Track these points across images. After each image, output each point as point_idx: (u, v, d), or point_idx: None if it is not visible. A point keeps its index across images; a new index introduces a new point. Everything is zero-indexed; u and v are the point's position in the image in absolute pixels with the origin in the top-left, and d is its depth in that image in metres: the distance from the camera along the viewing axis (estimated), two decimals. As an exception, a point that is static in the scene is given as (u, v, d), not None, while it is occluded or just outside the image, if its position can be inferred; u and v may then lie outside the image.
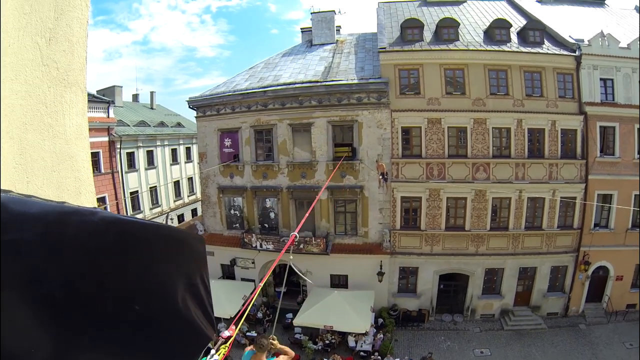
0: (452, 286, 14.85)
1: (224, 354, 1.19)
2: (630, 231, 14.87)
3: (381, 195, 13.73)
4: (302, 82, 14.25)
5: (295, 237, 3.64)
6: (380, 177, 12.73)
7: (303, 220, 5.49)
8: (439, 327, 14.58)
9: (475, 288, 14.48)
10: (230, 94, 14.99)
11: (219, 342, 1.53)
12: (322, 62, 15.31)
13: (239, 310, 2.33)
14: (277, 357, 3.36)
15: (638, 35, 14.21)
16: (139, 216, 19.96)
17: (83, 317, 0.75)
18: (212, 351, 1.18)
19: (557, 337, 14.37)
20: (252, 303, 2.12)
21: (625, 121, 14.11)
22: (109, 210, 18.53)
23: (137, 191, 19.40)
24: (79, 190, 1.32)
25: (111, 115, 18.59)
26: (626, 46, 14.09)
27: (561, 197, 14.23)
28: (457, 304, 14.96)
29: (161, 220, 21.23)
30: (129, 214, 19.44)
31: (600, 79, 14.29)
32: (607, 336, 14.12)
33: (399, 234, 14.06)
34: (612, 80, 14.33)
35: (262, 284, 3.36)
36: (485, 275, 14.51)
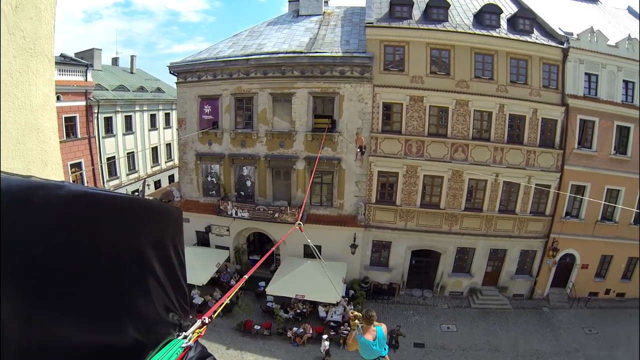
0: (423, 262, 15.14)
1: (197, 336, 1.15)
2: (600, 223, 15.33)
3: (358, 169, 13.78)
4: (286, 52, 13.99)
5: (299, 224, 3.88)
6: (358, 150, 12.72)
7: (306, 197, 5.35)
8: (408, 301, 14.91)
9: (446, 265, 14.81)
10: (212, 60, 14.62)
11: (195, 325, 1.48)
12: (307, 33, 15.03)
13: (219, 300, 2.27)
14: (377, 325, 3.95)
15: (627, 35, 14.33)
16: (115, 182, 19.58)
17: (51, 289, 0.74)
18: (189, 332, 1.13)
19: (521, 318, 14.87)
20: (232, 295, 2.05)
21: (606, 117, 14.34)
22: (84, 175, 18.15)
23: (114, 157, 18.96)
24: (45, 162, 1.28)
25: (89, 78, 17.97)
26: (614, 44, 14.11)
27: (536, 184, 14.51)
28: (428, 280, 15.30)
29: (138, 185, 20.95)
30: (105, 180, 19.04)
31: (585, 74, 14.33)
32: (569, 321, 14.71)
33: (374, 208, 14.18)
34: (596, 75, 14.38)
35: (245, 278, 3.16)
36: (457, 253, 14.83)
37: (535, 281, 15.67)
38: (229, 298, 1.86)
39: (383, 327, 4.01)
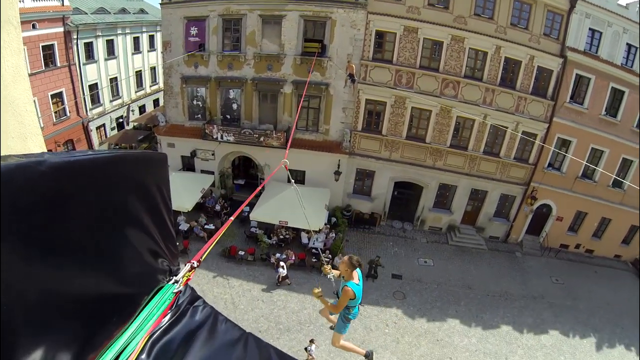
0: (405, 195, 15.48)
1: (186, 280, 1.17)
2: (580, 180, 15.60)
3: (346, 95, 13.64)
4: (279, -28, 13.16)
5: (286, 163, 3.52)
6: (348, 78, 12.46)
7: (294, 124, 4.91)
8: (389, 232, 15.39)
9: (427, 200, 15.18)
10: (199, -22, 13.71)
11: (184, 270, 1.45)
12: (303, -48, 14.08)
13: (207, 243, 1.97)
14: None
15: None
16: (99, 110, 19.06)
17: (46, 254, 0.77)
18: (179, 277, 1.11)
19: (494, 260, 15.53)
20: (218, 237, 1.99)
21: (602, 76, 14.05)
22: (67, 106, 17.50)
23: (96, 83, 18.28)
24: (24, 136, 1.25)
25: (66, 3, 16.79)
26: (625, 5, 13.46)
27: (523, 131, 14.54)
28: (409, 212, 15.72)
29: (122, 111, 20.58)
30: (88, 108, 18.47)
31: (589, 29, 13.77)
32: (538, 268, 15.40)
33: (360, 136, 14.20)
34: (600, 33, 13.82)
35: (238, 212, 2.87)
36: (439, 189, 15.15)
37: (512, 226, 16.22)
38: (215, 242, 1.86)
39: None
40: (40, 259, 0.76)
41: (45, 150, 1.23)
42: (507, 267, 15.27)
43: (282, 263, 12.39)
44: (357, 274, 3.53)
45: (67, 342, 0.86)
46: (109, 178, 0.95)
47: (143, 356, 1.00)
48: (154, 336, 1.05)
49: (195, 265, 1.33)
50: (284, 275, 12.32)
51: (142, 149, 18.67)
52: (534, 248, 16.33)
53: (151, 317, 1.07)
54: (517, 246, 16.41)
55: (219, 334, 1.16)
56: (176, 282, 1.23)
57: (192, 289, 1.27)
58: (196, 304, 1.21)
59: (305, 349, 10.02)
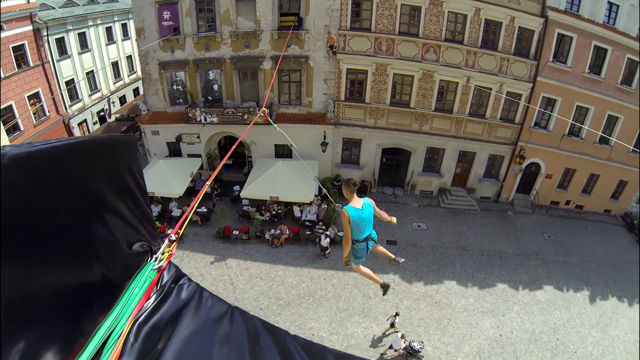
0: (394, 160, 15.62)
1: (168, 256, 1.10)
2: (567, 137, 15.76)
3: (326, 66, 13.59)
4: (248, -55, 12.81)
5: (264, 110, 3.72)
6: (329, 49, 12.34)
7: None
8: (380, 199, 15.56)
9: (416, 165, 15.33)
10: (167, -41, 13.29)
11: (164, 245, 1.42)
12: None
13: (182, 215, 2.13)
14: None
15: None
16: (78, 105, 18.77)
17: (17, 247, 0.75)
18: (159, 253, 1.07)
19: (487, 220, 15.80)
20: (193, 209, 2.11)
21: (585, 35, 14.00)
22: (45, 105, 17.15)
23: (72, 79, 17.92)
24: None
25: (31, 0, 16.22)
26: None
27: (507, 92, 14.59)
28: (399, 178, 15.89)
29: (103, 105, 20.32)
30: (67, 105, 18.16)
31: None
32: (530, 225, 15.70)
33: (344, 105, 14.24)
34: None
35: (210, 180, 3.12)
36: (427, 153, 15.29)
37: (502, 186, 16.46)
38: (192, 212, 1.89)
39: (369, 199, 3.53)
40: (12, 255, 0.74)
41: (4, 144, 1.24)
42: (500, 227, 15.53)
43: (323, 235, 12.50)
44: (361, 200, 3.44)
45: (52, 335, 0.85)
46: (73, 165, 0.92)
47: (130, 339, 1.00)
48: (140, 318, 1.04)
49: (173, 239, 1.30)
50: (325, 246, 12.39)
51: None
52: (525, 206, 16.61)
53: (133, 299, 1.06)
54: (508, 205, 16.67)
55: (205, 310, 1.15)
56: (156, 259, 1.22)
57: (177, 267, 1.25)
58: (181, 282, 1.20)
59: (392, 324, 10.42)
